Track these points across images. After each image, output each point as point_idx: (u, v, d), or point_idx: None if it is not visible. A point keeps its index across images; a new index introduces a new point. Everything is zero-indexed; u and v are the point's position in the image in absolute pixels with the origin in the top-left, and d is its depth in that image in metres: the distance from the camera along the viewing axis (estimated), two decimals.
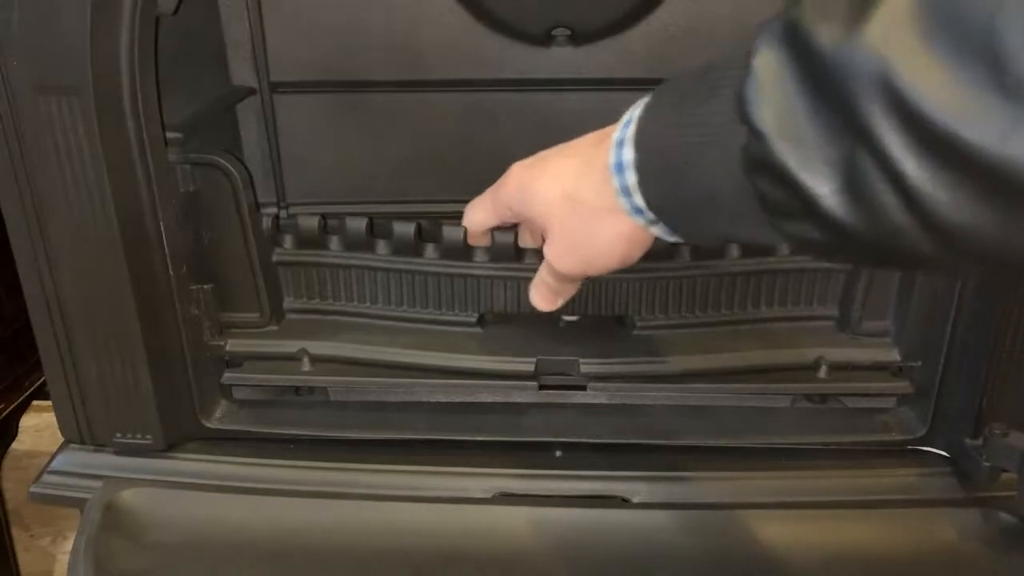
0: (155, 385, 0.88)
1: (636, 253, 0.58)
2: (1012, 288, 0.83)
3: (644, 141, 0.51)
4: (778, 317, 0.96)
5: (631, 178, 0.52)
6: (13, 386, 1.25)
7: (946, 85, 0.34)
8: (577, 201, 0.56)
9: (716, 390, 0.95)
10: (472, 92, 0.95)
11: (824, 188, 0.39)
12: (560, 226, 0.58)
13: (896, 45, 0.35)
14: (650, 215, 0.53)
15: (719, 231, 0.52)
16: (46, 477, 0.93)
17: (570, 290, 0.67)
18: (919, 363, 0.91)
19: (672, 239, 0.55)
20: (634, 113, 0.52)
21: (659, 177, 0.51)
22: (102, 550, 0.85)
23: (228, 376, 0.95)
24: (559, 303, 0.68)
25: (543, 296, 0.67)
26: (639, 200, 0.52)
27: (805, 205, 0.40)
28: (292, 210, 1.00)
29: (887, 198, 0.37)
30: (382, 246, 0.95)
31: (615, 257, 0.58)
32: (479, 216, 0.69)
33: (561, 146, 0.60)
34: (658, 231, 0.55)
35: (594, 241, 0.57)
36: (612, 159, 0.53)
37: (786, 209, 0.42)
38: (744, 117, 0.42)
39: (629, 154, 0.52)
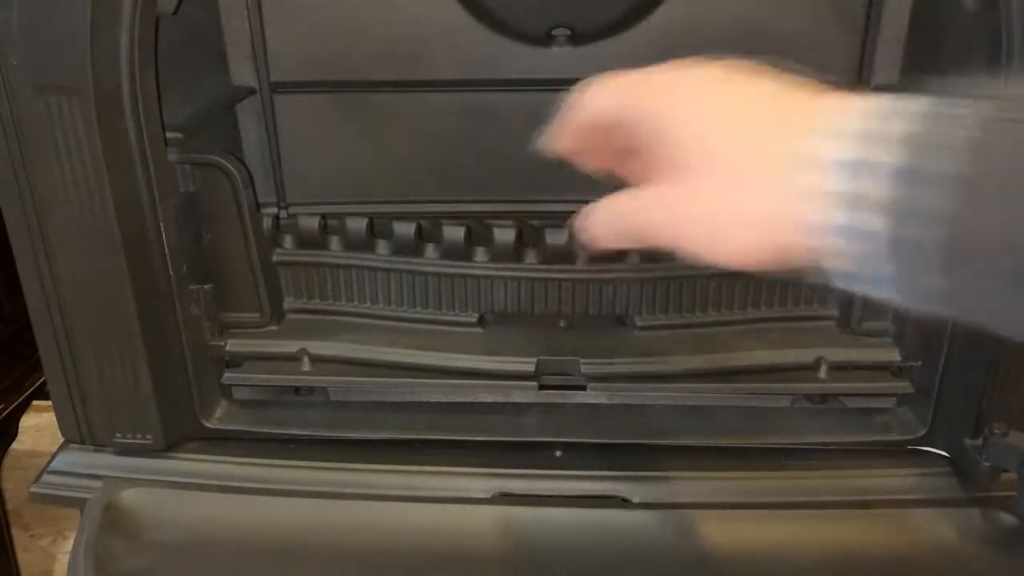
0: (155, 385, 0.88)
1: (755, 259, 0.42)
2: None
3: (931, 148, 0.35)
4: (778, 317, 0.96)
5: (874, 187, 0.35)
6: (13, 386, 1.25)
7: None
8: (744, 160, 0.41)
9: (716, 390, 0.95)
10: (472, 92, 0.94)
11: None
12: (705, 173, 0.42)
13: None
14: (867, 246, 0.36)
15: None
16: (46, 477, 0.93)
17: (631, 240, 0.48)
18: (919, 363, 0.91)
19: (880, 293, 0.37)
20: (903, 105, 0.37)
21: (973, 205, 0.34)
22: (102, 550, 0.85)
23: (228, 376, 0.95)
24: (615, 242, 0.49)
25: (604, 224, 0.49)
26: (869, 220, 0.35)
27: None
28: (292, 210, 1.00)
29: None
30: (382, 246, 0.95)
31: (743, 248, 0.42)
32: (599, 100, 0.51)
33: (753, 77, 0.43)
34: (868, 273, 0.37)
35: (729, 218, 0.42)
36: (842, 152, 0.37)
37: None
38: None
39: (885, 156, 0.35)
